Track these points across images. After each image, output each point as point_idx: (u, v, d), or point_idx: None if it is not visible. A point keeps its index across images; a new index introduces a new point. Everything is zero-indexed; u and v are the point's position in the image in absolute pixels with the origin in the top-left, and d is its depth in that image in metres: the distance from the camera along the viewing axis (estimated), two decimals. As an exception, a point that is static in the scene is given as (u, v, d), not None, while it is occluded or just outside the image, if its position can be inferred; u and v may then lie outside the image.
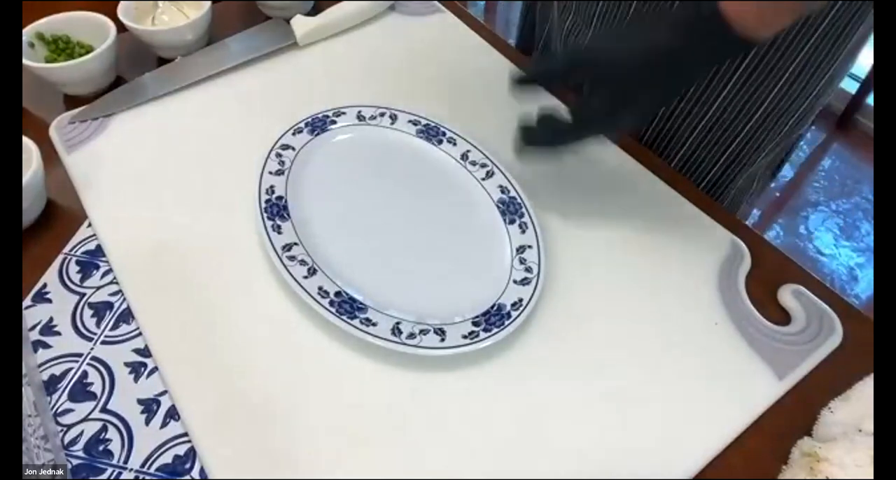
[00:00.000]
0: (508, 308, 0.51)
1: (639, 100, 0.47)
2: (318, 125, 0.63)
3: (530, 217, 0.58)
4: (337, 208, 0.58)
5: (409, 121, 0.65)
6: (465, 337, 0.49)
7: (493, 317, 0.51)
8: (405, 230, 0.57)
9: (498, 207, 0.59)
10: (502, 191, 0.60)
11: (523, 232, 0.57)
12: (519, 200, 0.59)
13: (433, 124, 0.65)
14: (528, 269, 0.55)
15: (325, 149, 0.62)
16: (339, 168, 0.61)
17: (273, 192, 0.57)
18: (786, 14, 0.42)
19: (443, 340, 0.49)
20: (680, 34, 0.44)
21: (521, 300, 0.52)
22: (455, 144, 0.64)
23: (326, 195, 0.58)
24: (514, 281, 0.54)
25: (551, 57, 0.51)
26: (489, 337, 0.49)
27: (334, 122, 0.64)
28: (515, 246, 0.56)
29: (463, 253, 0.57)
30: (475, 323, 0.51)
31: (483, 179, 0.61)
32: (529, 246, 0.56)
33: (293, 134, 0.62)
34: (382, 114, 0.65)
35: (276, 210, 0.55)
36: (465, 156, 0.63)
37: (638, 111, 0.48)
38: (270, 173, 0.58)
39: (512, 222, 0.58)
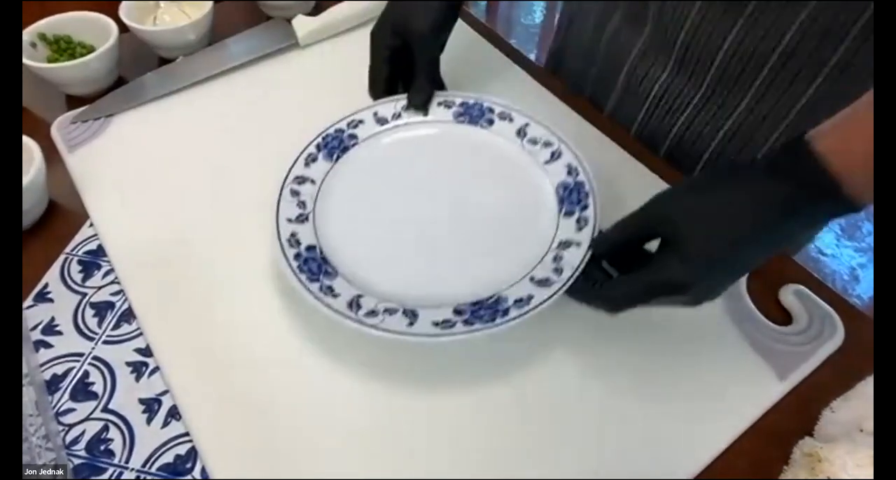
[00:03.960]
0: (510, 303, 0.46)
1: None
2: (335, 146, 0.57)
3: (595, 210, 0.50)
4: (366, 223, 0.54)
5: (442, 104, 0.59)
6: (435, 324, 0.45)
7: (484, 311, 0.46)
8: (438, 226, 0.53)
9: (557, 193, 0.53)
10: (569, 173, 0.53)
11: (579, 228, 0.50)
12: (587, 188, 0.52)
13: (472, 102, 0.59)
14: (558, 270, 0.48)
15: (349, 172, 0.56)
16: (368, 185, 0.56)
17: (299, 242, 0.50)
18: None
19: (411, 325, 0.45)
20: (777, 213, 0.38)
21: (528, 298, 0.46)
22: (511, 120, 0.58)
23: (353, 209, 0.54)
24: (532, 279, 0.48)
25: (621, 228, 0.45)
26: (467, 331, 0.44)
27: (354, 137, 0.58)
28: (560, 240, 0.50)
29: (499, 241, 0.52)
30: (457, 312, 0.46)
31: (547, 161, 0.55)
32: (576, 244, 0.49)
33: (306, 163, 0.55)
34: (406, 108, 0.59)
35: (315, 266, 0.49)
36: (522, 133, 0.57)
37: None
38: (290, 220, 0.51)
39: (569, 213, 0.52)
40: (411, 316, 0.46)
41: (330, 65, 0.72)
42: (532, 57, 0.80)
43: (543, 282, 0.47)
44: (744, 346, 0.50)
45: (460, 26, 0.77)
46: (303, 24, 0.73)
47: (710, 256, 0.40)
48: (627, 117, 0.69)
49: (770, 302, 0.54)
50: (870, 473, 0.41)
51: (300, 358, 0.49)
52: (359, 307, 0.46)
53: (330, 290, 0.47)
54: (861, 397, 0.47)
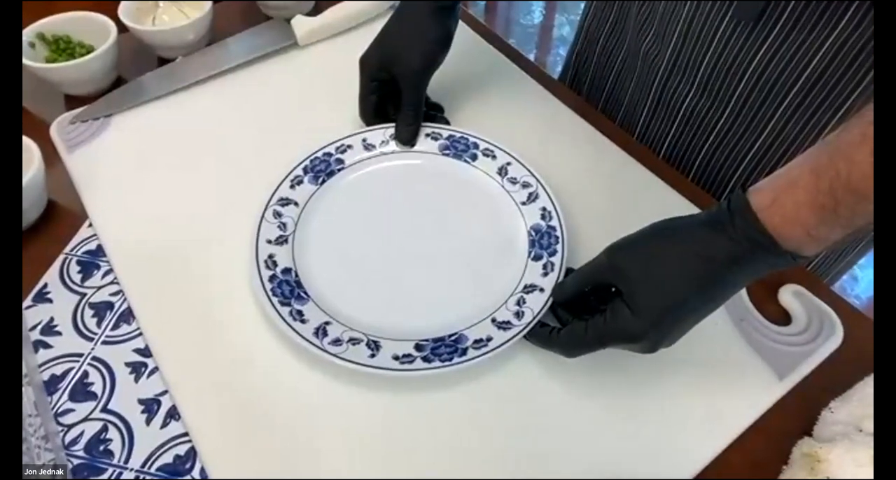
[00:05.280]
0: (469, 343, 0.47)
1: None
2: (322, 169, 0.57)
3: (562, 257, 0.51)
4: (343, 249, 0.54)
5: (429, 136, 0.60)
6: (395, 358, 0.46)
7: (444, 348, 0.47)
8: (411, 258, 0.54)
9: (529, 235, 0.54)
10: (542, 216, 0.54)
11: (545, 273, 0.51)
12: (558, 232, 0.53)
13: (459, 136, 0.60)
14: (519, 315, 0.49)
15: (332, 197, 0.57)
16: (349, 211, 0.57)
17: (276, 264, 0.51)
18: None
19: (373, 356, 0.46)
20: (721, 266, 0.39)
21: (488, 339, 0.47)
22: (494, 157, 0.58)
23: (332, 234, 0.55)
24: (493, 320, 0.49)
25: (575, 280, 0.47)
26: (425, 368, 0.45)
27: (341, 162, 0.58)
28: (525, 283, 0.51)
29: (468, 278, 0.52)
30: (418, 347, 0.47)
31: (524, 202, 0.56)
32: (540, 290, 0.50)
33: (292, 185, 0.56)
34: (394, 137, 0.60)
35: (288, 290, 0.50)
36: (503, 171, 0.58)
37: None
38: (269, 242, 0.52)
39: (537, 258, 0.52)
40: (374, 347, 0.47)
41: (329, 65, 0.72)
42: (531, 57, 0.80)
43: (504, 325, 0.49)
44: (743, 346, 0.50)
45: (459, 26, 0.77)
46: (302, 24, 0.73)
47: (659, 309, 0.40)
48: (658, 135, 0.68)
49: (769, 302, 0.54)
50: (869, 473, 0.41)
51: (300, 359, 0.49)
52: (325, 334, 0.48)
53: (300, 315, 0.49)
54: (860, 397, 0.47)
